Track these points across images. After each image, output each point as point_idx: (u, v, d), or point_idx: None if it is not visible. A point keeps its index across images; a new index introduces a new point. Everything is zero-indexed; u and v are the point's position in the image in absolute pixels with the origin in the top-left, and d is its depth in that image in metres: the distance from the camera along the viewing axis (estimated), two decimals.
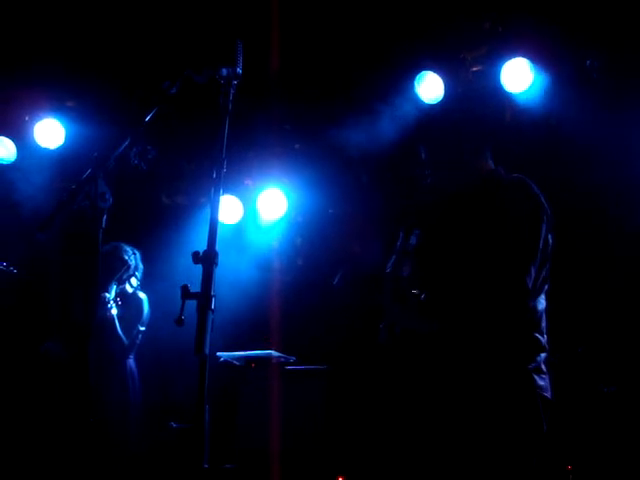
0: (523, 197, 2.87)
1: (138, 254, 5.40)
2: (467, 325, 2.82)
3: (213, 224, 2.06)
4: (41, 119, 5.92)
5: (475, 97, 5.41)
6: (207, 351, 1.86)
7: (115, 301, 5.01)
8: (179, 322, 1.96)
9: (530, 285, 2.78)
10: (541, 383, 2.83)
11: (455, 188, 3.04)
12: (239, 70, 2.32)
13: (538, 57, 5.24)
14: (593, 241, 4.55)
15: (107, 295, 4.98)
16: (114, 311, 4.99)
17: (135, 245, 5.47)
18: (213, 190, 2.16)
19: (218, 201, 2.14)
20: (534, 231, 2.83)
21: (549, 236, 2.91)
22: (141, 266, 5.41)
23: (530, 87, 5.31)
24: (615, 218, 3.93)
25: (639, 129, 4.50)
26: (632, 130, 4.71)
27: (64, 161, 5.92)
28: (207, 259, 1.98)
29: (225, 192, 6.27)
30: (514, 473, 2.74)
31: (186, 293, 1.96)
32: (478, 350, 2.80)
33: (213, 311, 1.92)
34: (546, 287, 2.95)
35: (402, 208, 3.36)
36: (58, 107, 5.98)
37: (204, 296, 1.92)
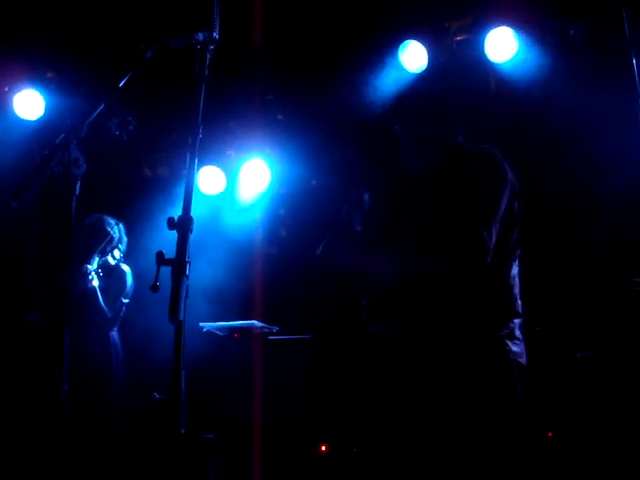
0: (484, 165, 2.92)
1: (122, 226, 5.37)
2: (432, 287, 2.84)
3: (188, 190, 2.04)
4: (20, 90, 5.84)
5: (461, 67, 5.44)
6: (181, 317, 1.85)
7: (97, 273, 4.98)
8: (154, 288, 1.95)
9: (490, 243, 2.80)
10: (515, 349, 2.85)
11: (424, 160, 3.06)
12: (216, 35, 2.28)
13: (522, 26, 5.21)
14: (573, 211, 4.57)
15: (88, 267, 4.95)
16: (95, 282, 4.96)
17: (117, 217, 5.43)
18: (189, 156, 2.13)
19: (194, 167, 2.11)
20: (493, 193, 2.87)
21: (515, 202, 2.94)
22: (125, 238, 5.37)
23: (514, 57, 5.29)
24: (596, 186, 3.94)
25: (621, 100, 4.48)
26: (614, 101, 4.70)
27: (44, 132, 5.85)
28: (182, 225, 1.96)
29: (207, 163, 6.23)
30: (489, 437, 2.76)
31: (161, 259, 1.95)
32: (447, 313, 2.83)
33: (187, 277, 1.91)
34: (518, 252, 2.98)
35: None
36: (38, 78, 5.90)
37: (178, 262, 1.91)
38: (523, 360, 2.88)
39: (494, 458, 2.74)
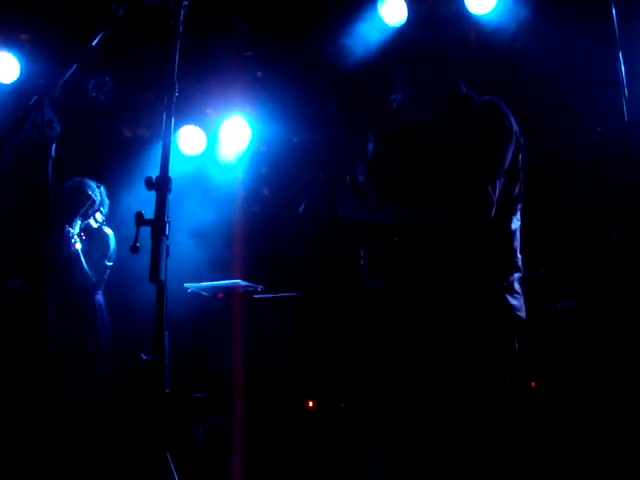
0: (490, 116, 2.87)
1: (103, 188, 5.31)
2: (433, 241, 2.84)
3: (166, 149, 2.02)
4: None
5: (441, 19, 5.39)
6: (162, 277, 1.85)
7: (79, 236, 4.94)
8: (134, 249, 1.94)
9: (494, 197, 2.78)
10: (514, 302, 2.84)
11: (429, 110, 3.02)
12: None
13: None
14: (555, 162, 4.57)
15: (71, 230, 4.91)
16: (78, 246, 4.93)
17: (98, 180, 5.37)
18: (165, 115, 2.11)
19: (171, 126, 2.09)
20: (499, 146, 2.84)
21: (519, 155, 2.93)
22: (107, 201, 5.32)
23: (494, 8, 5.24)
24: (577, 137, 3.94)
25: (602, 50, 4.47)
26: (595, 51, 4.68)
27: (20, 96, 5.75)
28: (160, 185, 1.95)
29: (187, 122, 6.17)
30: (487, 392, 2.76)
31: (140, 220, 1.94)
32: (446, 266, 2.82)
33: (167, 237, 1.90)
34: (519, 206, 2.97)
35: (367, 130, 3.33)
36: (11, 41, 5.78)
37: (158, 222, 1.90)
38: (522, 314, 2.88)
39: (490, 412, 2.75)
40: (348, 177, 3.01)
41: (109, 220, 5.33)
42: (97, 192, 5.22)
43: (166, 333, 1.90)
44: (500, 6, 5.23)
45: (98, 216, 5.23)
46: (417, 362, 2.85)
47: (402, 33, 5.38)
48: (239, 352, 4.80)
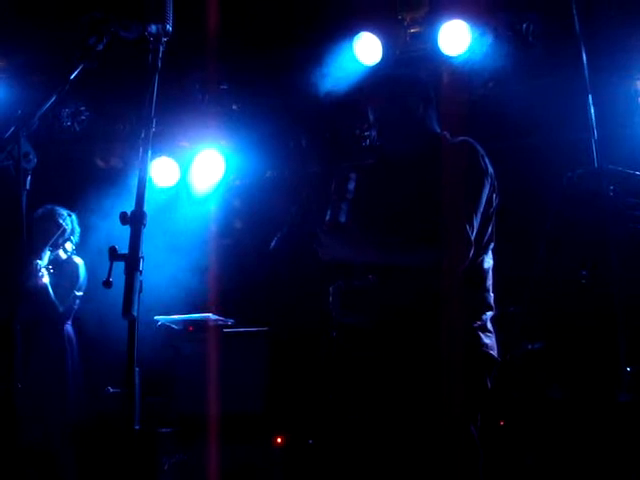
0: (467, 156, 2.93)
1: (74, 217, 5.27)
2: (410, 279, 2.86)
3: (141, 184, 2.02)
4: None
5: (414, 59, 5.47)
6: (135, 312, 1.84)
7: (47, 269, 4.89)
8: (107, 284, 1.93)
9: (472, 237, 2.82)
10: (487, 341, 2.88)
11: (402, 147, 3.07)
12: (169, 27, 2.25)
13: (476, 20, 5.25)
14: (525, 205, 4.63)
15: (39, 262, 4.86)
16: (46, 279, 4.87)
17: (69, 208, 5.34)
18: (142, 150, 2.11)
19: (147, 161, 2.09)
20: (476, 186, 2.89)
21: (493, 196, 2.98)
22: (77, 229, 5.28)
23: (467, 50, 5.33)
24: (547, 180, 4.00)
25: (572, 94, 4.57)
26: (565, 94, 4.78)
27: None
28: (135, 220, 1.94)
29: (161, 154, 6.17)
30: (458, 429, 2.77)
31: (114, 255, 1.93)
32: (422, 305, 2.84)
33: (141, 272, 1.89)
34: (492, 245, 3.02)
35: (339, 165, 3.36)
36: None
37: (132, 257, 1.89)
38: (494, 352, 2.91)
39: (461, 449, 2.76)
40: (328, 216, 3.03)
41: (80, 249, 5.29)
42: (68, 220, 5.18)
43: (137, 369, 1.88)
44: (472, 48, 5.32)
45: (68, 245, 5.19)
46: (390, 399, 2.85)
47: (376, 71, 5.45)
48: (208, 386, 4.76)
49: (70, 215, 5.22)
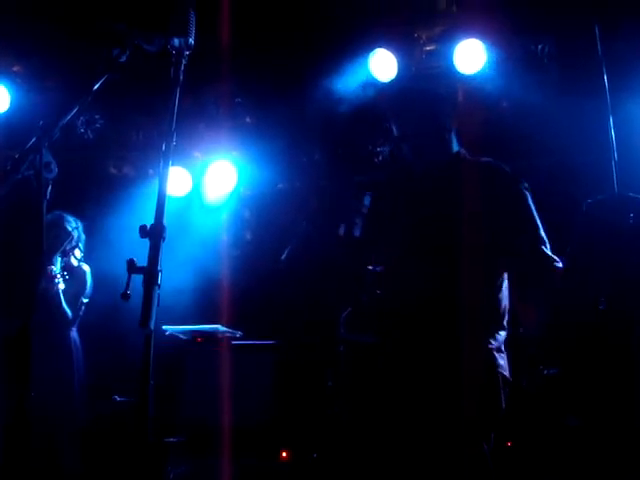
0: (510, 182, 2.97)
1: (80, 224, 5.28)
2: (424, 297, 2.85)
3: (161, 198, 2.02)
4: None
5: (430, 77, 5.48)
6: (152, 326, 1.84)
7: (62, 275, 4.89)
8: (125, 297, 1.93)
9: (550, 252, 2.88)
10: (501, 362, 2.89)
11: (424, 164, 3.05)
12: (191, 41, 2.27)
13: (491, 39, 5.26)
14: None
15: (53, 268, 4.86)
16: (61, 286, 4.88)
17: (81, 216, 5.36)
18: (162, 163, 2.12)
19: (167, 175, 2.10)
20: (532, 211, 2.94)
21: None
22: (83, 237, 5.29)
23: (482, 69, 5.34)
24: (564, 204, 4.00)
25: (586, 115, 4.56)
26: (579, 115, 4.78)
27: (10, 128, 5.75)
28: (154, 233, 1.95)
29: (174, 164, 6.17)
30: (471, 446, 2.77)
31: (132, 267, 1.93)
32: (438, 324, 2.84)
33: (159, 286, 1.89)
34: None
35: (351, 180, 3.36)
36: (3, 72, 5.80)
37: (150, 271, 1.89)
38: (507, 373, 2.92)
39: (473, 467, 2.75)
40: (342, 229, 3.03)
41: (89, 256, 5.30)
42: (75, 228, 5.18)
43: (151, 383, 1.88)
44: (487, 67, 5.33)
45: (77, 252, 5.19)
46: (403, 416, 2.85)
47: (392, 87, 5.46)
48: (215, 398, 4.74)
49: (76, 222, 5.23)
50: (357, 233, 3.01)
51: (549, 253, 2.87)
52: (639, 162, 4.41)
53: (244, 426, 4.76)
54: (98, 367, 5.25)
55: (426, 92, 3.20)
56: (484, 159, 3.05)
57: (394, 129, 3.12)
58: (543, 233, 2.90)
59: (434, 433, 2.78)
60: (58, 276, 4.85)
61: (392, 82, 5.46)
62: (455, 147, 3.11)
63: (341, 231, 3.03)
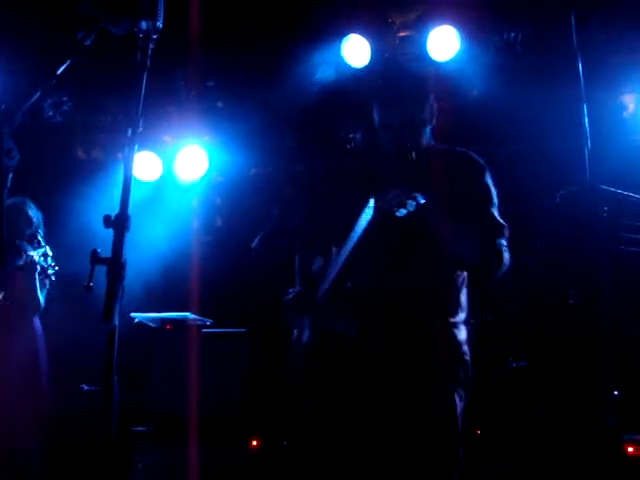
0: (482, 169, 2.97)
1: (40, 215, 5.17)
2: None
3: (126, 187, 1.96)
4: None
5: (404, 62, 5.44)
6: (116, 320, 1.78)
7: (41, 262, 4.78)
8: (88, 288, 1.87)
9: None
10: (461, 338, 2.93)
11: (402, 150, 2.89)
12: (159, 24, 2.20)
13: (466, 26, 5.23)
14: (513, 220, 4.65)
15: (34, 255, 4.75)
16: (35, 257, 4.77)
17: (48, 200, 5.26)
18: (127, 150, 2.04)
19: (132, 161, 2.03)
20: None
21: None
22: (42, 223, 5.18)
23: (456, 56, 5.31)
24: (532, 191, 4.00)
25: (560, 103, 4.57)
26: (553, 104, 4.78)
27: None
28: (119, 224, 1.89)
29: (143, 148, 6.09)
30: (443, 400, 2.82)
31: (96, 258, 1.87)
32: (420, 317, 2.87)
33: (123, 278, 1.84)
34: None
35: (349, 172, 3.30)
36: None
37: (114, 262, 1.83)
38: (466, 348, 2.95)
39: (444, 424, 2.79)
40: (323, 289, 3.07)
41: (58, 242, 5.20)
42: (36, 213, 5.09)
43: (115, 378, 1.83)
44: (461, 54, 5.30)
45: (39, 238, 5.09)
46: (375, 398, 2.86)
47: (367, 73, 5.42)
48: (185, 386, 4.70)
49: (37, 208, 5.13)
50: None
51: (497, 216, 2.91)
52: (611, 150, 4.43)
53: (213, 415, 4.72)
54: (64, 355, 5.17)
55: (420, 74, 3.17)
56: (462, 148, 3.05)
57: (375, 116, 3.00)
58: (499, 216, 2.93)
59: (405, 413, 2.80)
60: (38, 262, 4.75)
61: (364, 69, 5.41)
62: (428, 139, 3.07)
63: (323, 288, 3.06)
